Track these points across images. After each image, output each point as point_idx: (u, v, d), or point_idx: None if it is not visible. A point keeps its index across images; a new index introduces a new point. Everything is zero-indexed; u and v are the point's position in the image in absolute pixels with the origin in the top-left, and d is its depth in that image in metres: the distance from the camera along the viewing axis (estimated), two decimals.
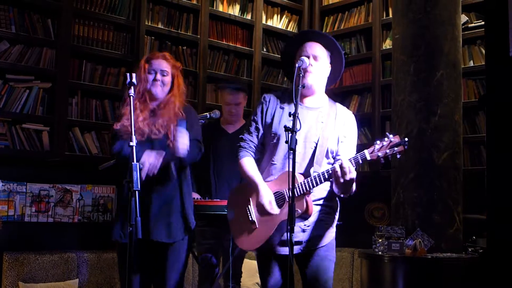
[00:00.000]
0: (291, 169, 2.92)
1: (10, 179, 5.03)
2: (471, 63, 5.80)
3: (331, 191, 3.35)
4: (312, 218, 3.30)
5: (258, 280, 5.61)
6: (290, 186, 2.93)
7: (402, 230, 4.80)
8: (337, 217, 3.46)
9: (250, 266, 5.29)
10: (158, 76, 3.73)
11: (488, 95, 4.07)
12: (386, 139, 3.08)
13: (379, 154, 3.07)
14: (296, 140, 2.94)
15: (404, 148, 3.05)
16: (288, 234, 2.86)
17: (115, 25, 5.58)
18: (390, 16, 6.15)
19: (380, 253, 4.77)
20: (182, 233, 3.68)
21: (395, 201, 5.11)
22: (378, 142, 3.09)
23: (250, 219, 3.35)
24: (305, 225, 3.29)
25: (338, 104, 3.51)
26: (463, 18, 5.58)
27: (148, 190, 3.53)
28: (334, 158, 3.37)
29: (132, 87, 3.15)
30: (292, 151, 2.89)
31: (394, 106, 5.25)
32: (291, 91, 3.44)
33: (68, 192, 5.29)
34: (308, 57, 3.36)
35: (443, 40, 5.05)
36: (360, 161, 3.12)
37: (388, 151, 3.05)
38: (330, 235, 3.39)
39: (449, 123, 5.01)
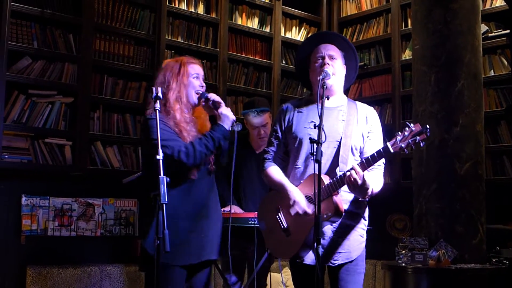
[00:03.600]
0: (316, 172, 2.91)
1: (33, 193, 5.06)
2: (492, 73, 5.78)
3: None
4: (337, 224, 3.27)
5: None
6: (316, 191, 2.91)
7: (425, 241, 4.77)
8: (366, 222, 3.42)
9: (273, 279, 5.27)
10: (203, 82, 3.58)
11: None
12: (407, 128, 3.02)
13: (402, 145, 3.02)
14: (322, 151, 2.93)
15: (427, 135, 2.99)
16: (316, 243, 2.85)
17: (135, 40, 5.62)
18: (409, 26, 6.15)
19: (403, 264, 4.74)
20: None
21: (418, 212, 5.09)
22: (399, 133, 3.05)
23: (282, 227, 3.35)
24: (332, 232, 3.27)
25: (358, 102, 3.51)
26: (483, 27, 5.57)
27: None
28: (361, 154, 3.35)
29: (158, 101, 3.13)
30: (318, 163, 2.88)
31: (415, 117, 5.23)
32: (308, 99, 3.47)
33: (91, 206, 5.31)
34: (324, 57, 3.37)
35: (463, 50, 5.04)
36: (384, 155, 3.09)
37: (410, 141, 3.01)
38: (359, 246, 3.36)
39: (471, 133, 4.99)
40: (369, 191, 3.13)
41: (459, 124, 4.96)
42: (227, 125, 3.49)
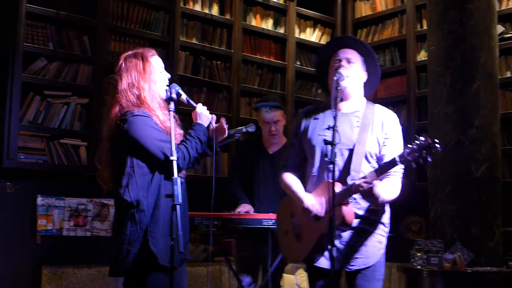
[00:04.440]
0: (330, 180, 2.90)
1: (49, 193, 5.09)
2: (508, 74, 5.74)
3: None
4: (353, 230, 3.23)
5: None
6: (329, 198, 2.90)
7: (440, 244, 4.73)
8: (386, 228, 3.34)
9: (287, 281, 5.26)
10: (167, 73, 3.34)
11: None
12: (416, 142, 2.95)
13: (409, 158, 2.95)
14: (335, 153, 2.91)
15: (435, 150, 2.90)
16: (329, 247, 2.83)
17: (150, 41, 5.63)
18: (424, 27, 6.13)
19: (419, 267, 4.70)
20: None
21: (433, 215, 5.05)
22: (408, 146, 2.99)
23: (294, 231, 3.35)
24: (345, 238, 3.22)
25: (377, 105, 3.42)
26: (499, 28, 5.53)
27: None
28: (378, 160, 3.27)
29: (172, 103, 3.09)
30: (332, 165, 2.86)
31: (430, 118, 5.20)
32: (325, 104, 3.43)
33: (106, 206, 5.33)
34: (341, 60, 3.32)
35: (479, 51, 4.99)
36: (391, 168, 3.04)
37: (417, 154, 2.93)
38: (377, 252, 3.28)
39: (487, 135, 4.94)
40: (380, 200, 3.09)
41: (474, 125, 4.91)
42: (205, 123, 3.28)
